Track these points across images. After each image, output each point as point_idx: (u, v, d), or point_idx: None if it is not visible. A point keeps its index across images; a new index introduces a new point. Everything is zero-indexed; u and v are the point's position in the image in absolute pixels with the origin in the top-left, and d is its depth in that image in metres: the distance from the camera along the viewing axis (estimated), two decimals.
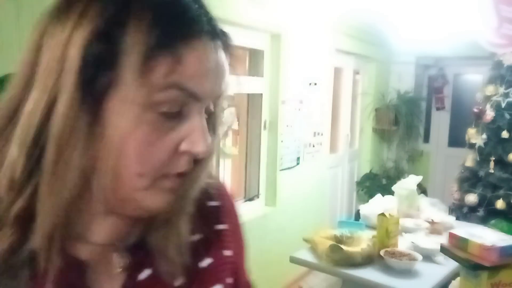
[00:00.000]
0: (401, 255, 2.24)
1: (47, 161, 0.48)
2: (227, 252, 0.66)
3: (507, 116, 3.61)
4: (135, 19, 0.47)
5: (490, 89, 3.74)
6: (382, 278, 2.11)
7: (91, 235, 0.56)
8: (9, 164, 0.49)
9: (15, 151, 0.49)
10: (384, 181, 5.06)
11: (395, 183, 3.17)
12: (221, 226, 0.66)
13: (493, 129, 3.67)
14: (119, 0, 0.49)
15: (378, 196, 3.18)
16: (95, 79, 0.47)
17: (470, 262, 1.45)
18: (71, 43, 0.47)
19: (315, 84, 3.89)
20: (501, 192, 3.58)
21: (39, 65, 0.49)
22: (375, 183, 5.02)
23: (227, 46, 0.55)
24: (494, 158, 3.64)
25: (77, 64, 0.47)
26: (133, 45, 0.47)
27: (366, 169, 5.24)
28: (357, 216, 3.61)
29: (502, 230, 2.95)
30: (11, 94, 0.51)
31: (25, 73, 0.50)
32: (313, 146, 4.03)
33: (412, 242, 2.42)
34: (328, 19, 3.99)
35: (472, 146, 3.83)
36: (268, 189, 3.56)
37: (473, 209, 3.71)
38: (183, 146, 0.52)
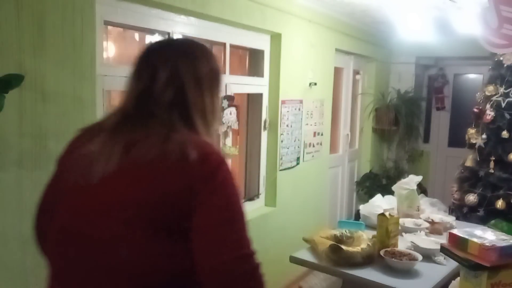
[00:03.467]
0: (401, 255, 2.24)
1: None
2: None
3: (507, 116, 3.61)
4: None
5: (490, 89, 3.74)
6: (382, 278, 2.11)
7: None
8: None
9: None
10: (384, 181, 5.06)
11: (395, 183, 3.17)
12: None
13: (493, 129, 3.67)
14: None
15: (378, 196, 3.18)
16: None
17: (470, 262, 1.45)
18: None
19: (315, 84, 3.89)
20: (501, 192, 3.57)
21: None
22: (375, 183, 5.02)
23: None
24: (494, 158, 3.64)
25: None
26: None
27: (366, 169, 5.24)
28: (357, 216, 3.62)
29: (502, 230, 2.96)
30: None
31: None
32: (313, 146, 4.02)
33: (412, 242, 2.42)
34: (328, 19, 3.99)
35: (472, 146, 3.82)
36: (268, 189, 3.56)
37: (473, 209, 3.71)
38: None
